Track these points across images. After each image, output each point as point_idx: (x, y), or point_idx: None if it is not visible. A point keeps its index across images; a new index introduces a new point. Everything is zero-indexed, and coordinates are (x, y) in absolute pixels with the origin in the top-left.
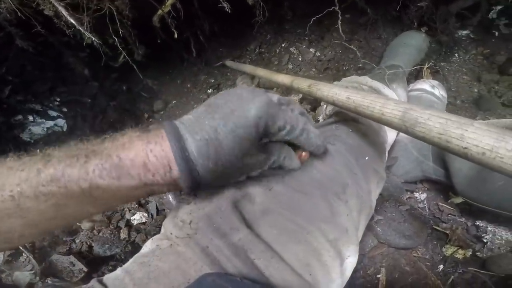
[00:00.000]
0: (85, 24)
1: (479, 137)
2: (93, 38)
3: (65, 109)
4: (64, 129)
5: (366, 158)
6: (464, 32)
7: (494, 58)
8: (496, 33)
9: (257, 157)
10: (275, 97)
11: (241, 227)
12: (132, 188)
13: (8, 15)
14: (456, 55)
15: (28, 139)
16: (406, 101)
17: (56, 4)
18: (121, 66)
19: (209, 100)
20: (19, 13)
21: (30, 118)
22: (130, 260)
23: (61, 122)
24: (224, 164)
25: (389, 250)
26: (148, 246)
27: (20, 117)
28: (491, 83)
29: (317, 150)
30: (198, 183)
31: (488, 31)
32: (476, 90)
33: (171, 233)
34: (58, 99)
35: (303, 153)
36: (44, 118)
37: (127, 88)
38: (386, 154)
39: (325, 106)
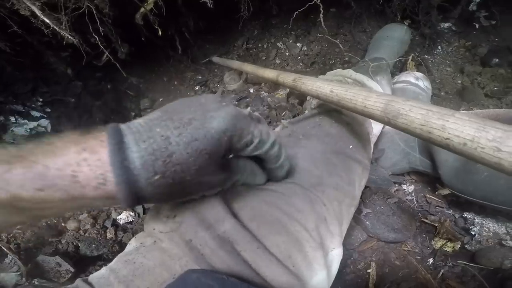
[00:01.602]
0: (63, 23)
1: (460, 127)
2: (70, 37)
3: (48, 110)
4: (48, 130)
5: (350, 146)
6: (446, 24)
7: (476, 50)
8: (477, 26)
9: (216, 175)
10: (245, 111)
11: (227, 217)
12: (60, 200)
13: None
14: (439, 47)
15: (11, 141)
16: (390, 93)
17: (29, 4)
18: (106, 65)
19: (167, 105)
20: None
21: (12, 119)
22: (115, 259)
23: (44, 122)
24: (175, 179)
25: (379, 244)
26: (132, 244)
27: (1, 118)
28: (474, 75)
29: (280, 171)
30: (139, 198)
31: (469, 24)
32: (459, 81)
33: (154, 229)
34: (41, 100)
35: None
36: (26, 119)
37: (112, 87)
38: (372, 145)
39: (311, 100)
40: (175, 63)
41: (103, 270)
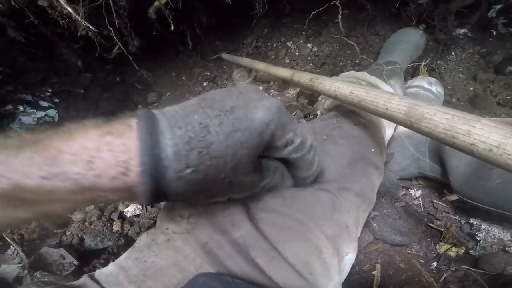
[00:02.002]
0: (81, 14)
1: (486, 133)
2: (90, 26)
3: (56, 100)
4: (56, 120)
5: (372, 150)
6: (462, 30)
7: (490, 58)
8: (494, 32)
9: (250, 176)
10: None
11: (243, 223)
12: (67, 192)
13: (1, 5)
14: (453, 53)
15: (18, 129)
16: None
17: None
18: (115, 57)
19: (204, 94)
20: (12, 3)
21: (21, 108)
22: (124, 255)
23: (52, 112)
24: (207, 176)
25: (385, 246)
26: (143, 240)
27: (10, 107)
28: (487, 82)
29: (310, 179)
30: (161, 195)
31: (486, 30)
32: (471, 89)
33: (168, 228)
34: (50, 90)
35: None
36: (35, 108)
37: (121, 79)
38: (386, 149)
39: (323, 100)
40: (184, 59)
41: (112, 267)
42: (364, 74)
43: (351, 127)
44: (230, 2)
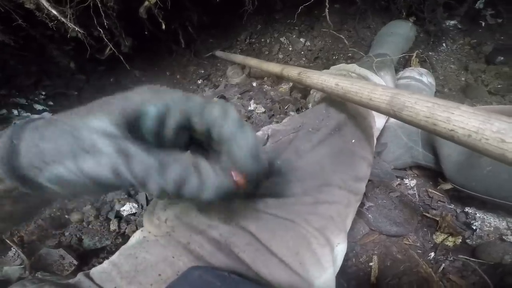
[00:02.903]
0: (68, 16)
1: (465, 119)
2: (77, 29)
3: (51, 103)
4: None
5: (353, 141)
6: (452, 22)
7: (481, 48)
8: (483, 23)
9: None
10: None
11: (221, 222)
12: None
13: None
14: (444, 44)
15: None
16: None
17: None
18: (109, 58)
19: None
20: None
21: (15, 112)
22: (117, 252)
23: (47, 115)
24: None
25: (381, 237)
26: (135, 237)
27: (4, 111)
28: (478, 72)
29: (249, 166)
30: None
31: (475, 21)
32: (463, 79)
33: (150, 232)
34: (44, 93)
35: (236, 174)
36: (29, 112)
37: (115, 80)
38: (375, 139)
39: (314, 93)
40: (178, 57)
41: (105, 264)
42: (354, 67)
43: (339, 116)
44: (218, 1)
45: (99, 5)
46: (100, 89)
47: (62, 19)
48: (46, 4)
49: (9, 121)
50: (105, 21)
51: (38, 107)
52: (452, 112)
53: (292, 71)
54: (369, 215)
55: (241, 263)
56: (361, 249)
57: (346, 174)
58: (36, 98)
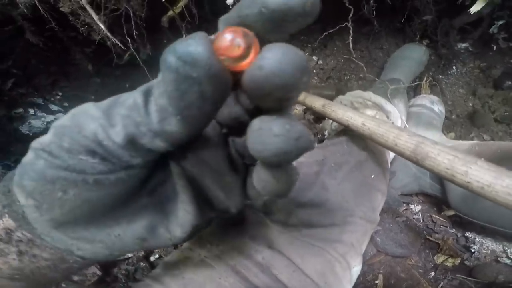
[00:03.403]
0: (101, 23)
1: (480, 174)
2: (110, 35)
3: (66, 104)
4: None
5: (372, 176)
6: (464, 45)
7: (490, 72)
8: (494, 47)
9: None
10: None
11: (264, 248)
12: None
13: (25, 10)
14: (454, 67)
15: (27, 132)
16: (405, 117)
17: (89, 10)
18: (124, 63)
19: None
20: (39, 9)
21: (31, 111)
22: (158, 270)
23: (61, 116)
24: None
25: (386, 258)
26: (175, 256)
27: (21, 110)
28: (486, 98)
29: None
30: None
31: (486, 45)
32: (471, 104)
33: (200, 254)
34: (60, 94)
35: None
36: (45, 112)
37: (129, 86)
38: (388, 172)
39: (330, 121)
40: None
41: (149, 281)
42: (369, 94)
43: (359, 153)
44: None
45: (131, 14)
46: (113, 93)
47: (103, 27)
48: (95, 17)
49: (25, 120)
50: (134, 31)
51: (54, 107)
52: (470, 166)
53: (316, 102)
54: (377, 238)
55: (280, 283)
56: (368, 268)
57: (365, 206)
58: (52, 99)
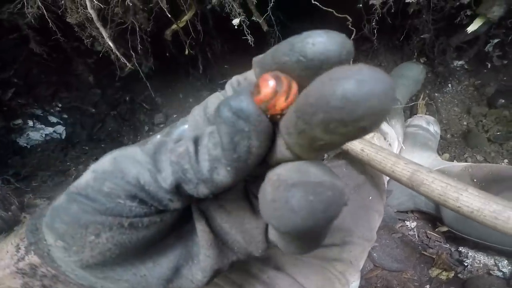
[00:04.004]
0: (108, 36)
1: (470, 200)
2: (114, 49)
3: (65, 116)
4: (63, 137)
5: (370, 198)
6: (459, 62)
7: (484, 90)
8: (489, 65)
9: None
10: None
11: (268, 268)
12: None
13: (32, 20)
14: (450, 85)
15: (25, 145)
16: (402, 137)
17: (99, 26)
18: (125, 75)
19: None
20: (46, 19)
21: (30, 123)
22: None
23: (60, 129)
24: None
25: (383, 272)
26: None
27: (20, 121)
28: (480, 116)
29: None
30: None
31: (482, 63)
32: (465, 123)
33: None
34: (60, 105)
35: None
36: (44, 124)
37: (130, 98)
38: (386, 192)
39: None
40: (193, 80)
41: None
42: None
43: (358, 176)
44: (252, 45)
45: (137, 28)
46: (114, 105)
47: (110, 44)
48: (104, 34)
49: (24, 132)
50: (139, 45)
51: (53, 119)
52: (461, 193)
53: None
54: (374, 254)
55: None
56: (366, 283)
57: (363, 226)
58: (51, 110)
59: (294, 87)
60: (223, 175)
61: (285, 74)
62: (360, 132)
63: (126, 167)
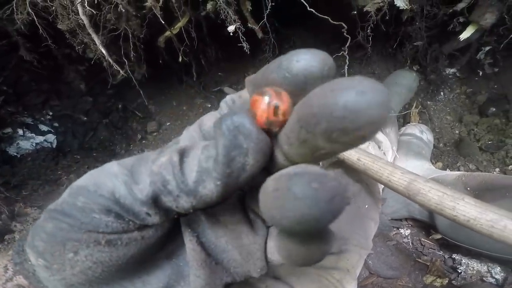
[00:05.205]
0: (100, 42)
1: (467, 209)
2: (108, 58)
3: (56, 124)
4: (54, 145)
5: (366, 206)
6: (451, 70)
7: (475, 98)
8: (480, 73)
9: None
10: None
11: (266, 278)
12: None
13: (22, 26)
14: (442, 93)
15: (15, 154)
16: (396, 146)
17: (91, 32)
18: (118, 83)
19: None
20: (36, 25)
21: (20, 131)
22: None
23: (51, 137)
24: None
25: (379, 279)
26: None
27: (9, 130)
28: (471, 125)
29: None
30: None
31: (473, 70)
32: (457, 132)
33: None
34: (51, 113)
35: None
36: (34, 133)
37: (122, 106)
38: (381, 201)
39: None
40: (186, 88)
41: None
42: None
43: (354, 185)
44: (248, 52)
45: (130, 34)
46: (105, 113)
47: (103, 50)
48: (97, 42)
49: (13, 141)
50: (132, 52)
51: (43, 128)
52: (458, 202)
53: None
54: (369, 261)
55: None
56: None
57: (359, 235)
58: (42, 118)
59: (287, 98)
60: (209, 189)
61: (274, 87)
62: (359, 140)
63: (101, 180)
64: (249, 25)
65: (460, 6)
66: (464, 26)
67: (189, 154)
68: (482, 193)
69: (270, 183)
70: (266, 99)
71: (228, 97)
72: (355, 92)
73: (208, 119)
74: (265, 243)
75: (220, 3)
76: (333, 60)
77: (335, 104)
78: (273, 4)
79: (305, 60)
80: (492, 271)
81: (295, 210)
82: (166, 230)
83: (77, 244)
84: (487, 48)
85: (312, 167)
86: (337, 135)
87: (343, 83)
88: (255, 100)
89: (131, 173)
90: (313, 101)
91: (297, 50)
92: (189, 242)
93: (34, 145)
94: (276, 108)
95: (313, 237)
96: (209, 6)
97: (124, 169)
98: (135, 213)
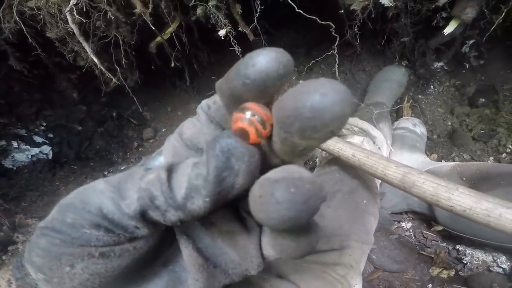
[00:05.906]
0: (90, 50)
1: (462, 199)
2: (99, 66)
3: (51, 135)
4: (49, 157)
5: (364, 201)
6: (439, 64)
7: (464, 90)
8: (467, 65)
9: None
10: None
11: (270, 277)
12: None
13: (10, 36)
14: (432, 87)
15: (11, 166)
16: (391, 140)
17: (82, 41)
18: (111, 91)
19: None
20: (25, 34)
21: (14, 144)
22: None
23: (46, 149)
24: None
25: (384, 274)
26: None
27: (3, 142)
28: (463, 116)
29: None
30: None
31: (460, 63)
32: (449, 123)
33: None
34: (44, 124)
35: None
36: (29, 145)
37: (116, 113)
38: (379, 195)
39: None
40: (181, 93)
41: None
42: (356, 120)
43: (351, 181)
44: (240, 55)
45: (120, 41)
46: (100, 122)
47: (94, 59)
48: (88, 50)
49: (8, 154)
50: (123, 58)
51: (38, 139)
52: (452, 193)
53: None
54: (373, 256)
55: None
56: (368, 285)
57: (360, 230)
58: (36, 129)
59: (264, 110)
60: (197, 205)
61: (250, 102)
62: (329, 134)
63: (88, 197)
64: (240, 28)
65: (442, 1)
66: (447, 21)
67: (177, 170)
68: (478, 182)
69: (256, 188)
70: (248, 114)
71: (203, 103)
72: (319, 95)
73: (187, 127)
74: (260, 240)
75: (210, 7)
76: (289, 55)
77: (303, 106)
78: (262, 7)
79: (259, 63)
80: (498, 260)
81: (277, 212)
82: (158, 239)
83: (71, 258)
84: (471, 41)
85: (291, 170)
86: (309, 133)
87: (309, 87)
88: (238, 118)
89: (118, 190)
90: (286, 104)
91: (252, 52)
92: (185, 248)
93: (29, 157)
94: (262, 122)
95: (299, 231)
96: (199, 11)
97: (110, 186)
98: (123, 227)
